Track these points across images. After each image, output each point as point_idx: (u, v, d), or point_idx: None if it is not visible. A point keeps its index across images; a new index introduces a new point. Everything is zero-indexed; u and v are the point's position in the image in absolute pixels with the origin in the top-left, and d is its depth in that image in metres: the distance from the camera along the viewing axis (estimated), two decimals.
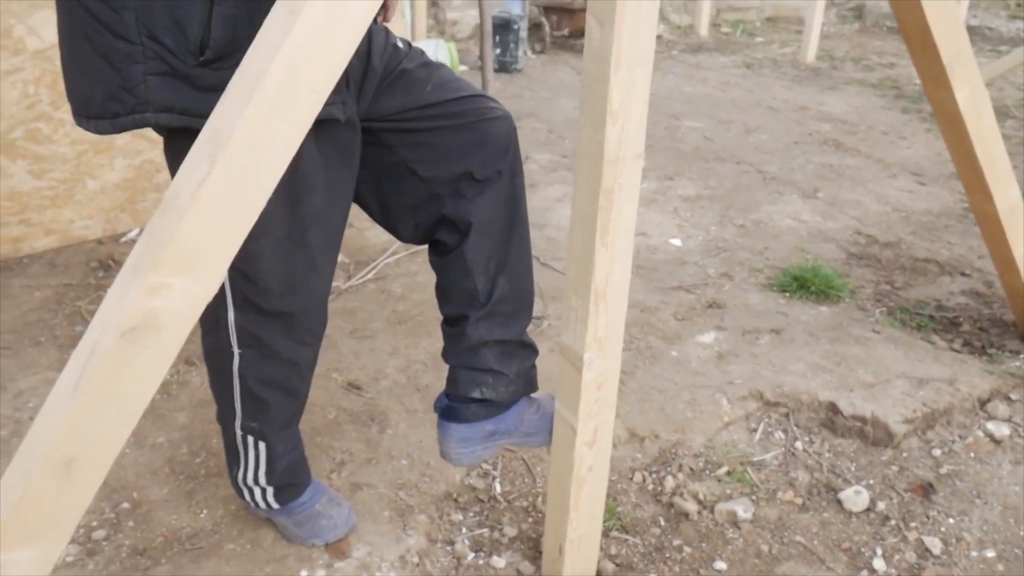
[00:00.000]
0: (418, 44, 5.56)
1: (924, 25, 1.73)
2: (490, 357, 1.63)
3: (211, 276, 1.01)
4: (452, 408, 1.66)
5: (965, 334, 2.69)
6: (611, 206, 1.37)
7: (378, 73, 1.49)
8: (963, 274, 3.15)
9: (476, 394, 1.63)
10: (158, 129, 1.39)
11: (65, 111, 3.02)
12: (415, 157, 1.56)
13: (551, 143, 4.76)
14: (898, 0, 1.73)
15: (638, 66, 1.30)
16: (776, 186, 4.14)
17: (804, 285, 2.94)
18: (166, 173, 3.33)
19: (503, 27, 6.39)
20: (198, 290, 1.00)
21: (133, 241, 3.25)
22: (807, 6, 7.59)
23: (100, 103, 1.30)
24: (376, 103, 1.51)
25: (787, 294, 2.94)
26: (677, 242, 3.40)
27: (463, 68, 6.40)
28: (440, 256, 1.64)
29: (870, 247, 3.41)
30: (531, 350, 1.70)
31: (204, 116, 1.18)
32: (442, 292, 1.67)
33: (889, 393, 2.31)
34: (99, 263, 3.06)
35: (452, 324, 1.67)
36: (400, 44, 1.56)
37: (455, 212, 1.57)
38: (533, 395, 1.74)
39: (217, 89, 1.19)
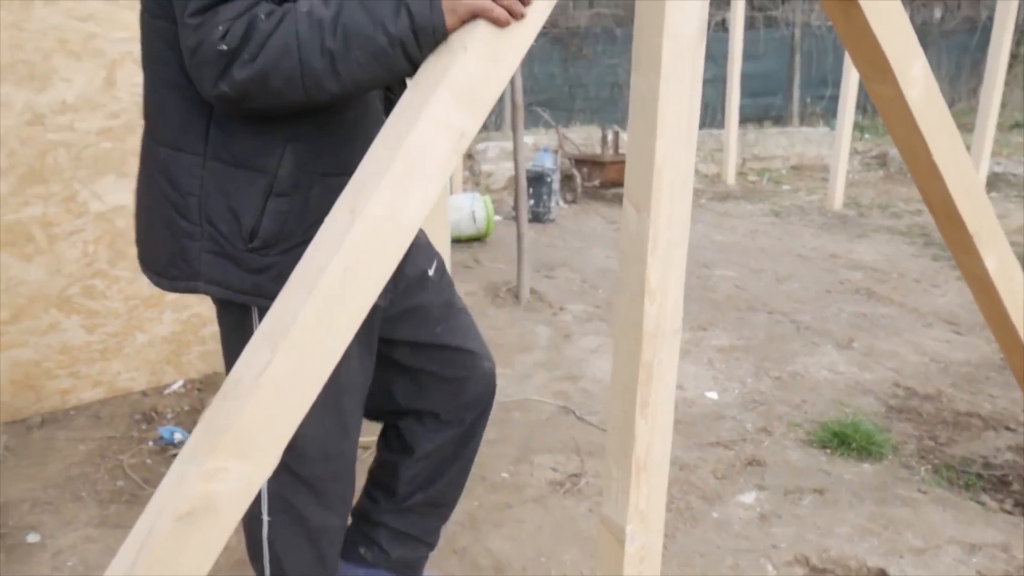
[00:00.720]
0: (454, 198, 5.79)
1: (948, 198, 1.79)
2: (383, 535, 1.84)
3: (268, 459, 1.05)
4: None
5: (1016, 494, 2.62)
6: (650, 380, 1.40)
7: (407, 278, 1.63)
8: (1008, 428, 3.09)
9: (359, 551, 1.86)
10: (215, 300, 1.50)
11: (120, 268, 3.17)
12: (397, 381, 1.74)
13: (584, 293, 4.85)
14: (921, 175, 1.80)
15: (674, 247, 1.36)
16: (810, 336, 4.16)
17: (845, 441, 2.90)
18: (212, 327, 3.44)
19: (536, 179, 6.64)
20: (255, 473, 1.03)
21: (176, 393, 3.33)
22: (831, 154, 7.80)
23: (162, 264, 1.43)
24: (388, 321, 1.64)
25: (828, 450, 2.90)
26: (713, 395, 3.40)
27: (497, 218, 6.62)
28: (381, 448, 1.85)
29: (910, 400, 3.38)
30: (425, 546, 1.90)
31: (247, 293, 1.39)
32: (372, 469, 1.88)
33: (941, 560, 2.23)
34: (143, 415, 3.12)
35: (367, 495, 1.88)
36: (432, 272, 1.70)
37: (409, 432, 1.77)
38: None
39: (261, 271, 1.38)
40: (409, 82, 1.14)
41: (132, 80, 3.02)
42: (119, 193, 3.10)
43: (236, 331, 1.47)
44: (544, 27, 1.17)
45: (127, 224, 3.14)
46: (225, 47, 1.16)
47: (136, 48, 3.02)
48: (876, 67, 1.55)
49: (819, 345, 4.03)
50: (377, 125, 1.40)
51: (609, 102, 12.57)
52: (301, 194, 1.35)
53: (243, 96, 1.20)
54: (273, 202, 1.34)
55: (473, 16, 1.08)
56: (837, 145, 7.43)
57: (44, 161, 2.91)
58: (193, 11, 1.18)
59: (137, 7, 2.99)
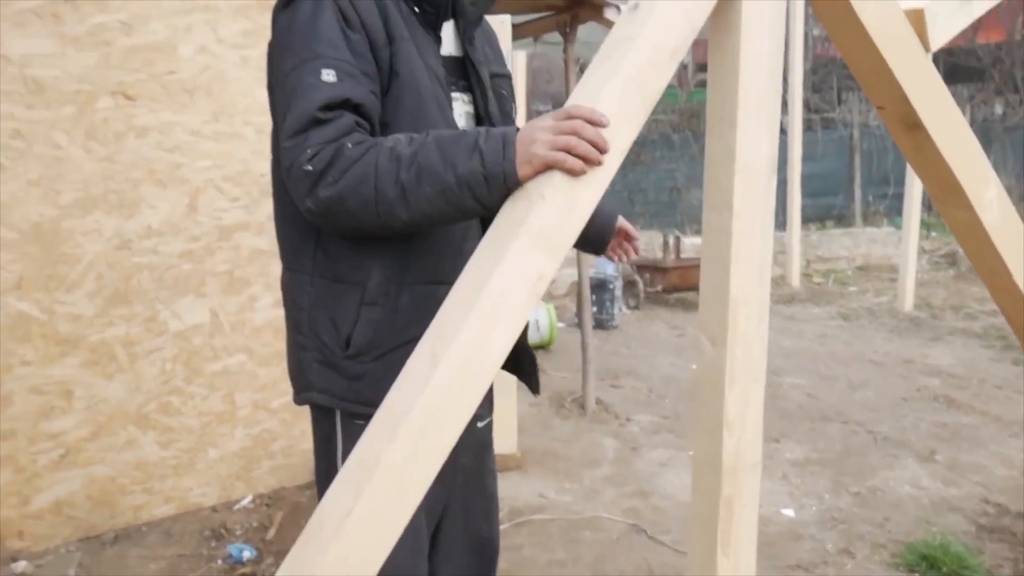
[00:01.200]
0: None
1: None
2: None
3: None
4: None
5: None
6: (731, 516, 1.36)
7: None
8: None
9: None
10: (312, 406, 1.57)
11: (196, 385, 3.25)
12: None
13: (651, 403, 4.78)
14: (1000, 292, 1.76)
15: (752, 381, 1.35)
16: (889, 448, 4.00)
17: (934, 565, 2.75)
18: (281, 442, 3.49)
19: (599, 286, 6.66)
20: None
21: (245, 509, 3.34)
22: (898, 254, 7.68)
23: (293, 377, 1.57)
24: None
25: (916, 575, 2.75)
26: (790, 512, 3.28)
27: (561, 325, 6.63)
28: None
29: (1001, 518, 3.20)
30: None
31: (348, 400, 1.47)
32: None
33: None
34: (212, 532, 3.14)
35: None
36: (482, 424, 1.70)
37: None
38: None
39: (359, 378, 1.46)
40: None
41: (212, 205, 3.17)
42: (196, 312, 3.21)
43: (330, 440, 1.53)
44: None
45: (203, 342, 3.24)
46: (311, 168, 1.26)
47: (216, 175, 3.20)
48: (949, 192, 1.55)
49: (899, 458, 3.87)
50: (465, 235, 1.47)
51: (668, 206, 12.69)
52: (391, 303, 1.43)
53: (326, 213, 1.29)
54: (365, 311, 1.43)
55: (548, 167, 1.11)
56: (904, 245, 7.33)
57: (129, 283, 3.04)
58: (287, 135, 1.29)
59: (219, 137, 3.16)
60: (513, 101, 1.65)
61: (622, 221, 1.84)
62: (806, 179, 8.86)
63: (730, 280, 1.28)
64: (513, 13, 4.31)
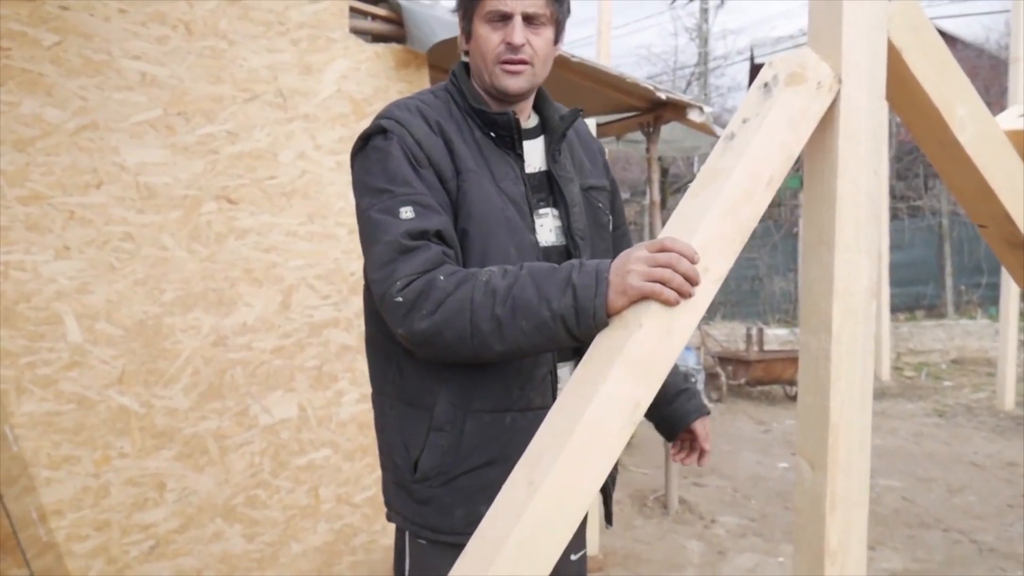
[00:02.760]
0: None
1: None
2: None
3: None
4: None
5: None
6: None
7: None
8: None
9: None
10: None
11: (282, 479, 3.30)
12: None
13: (736, 504, 4.63)
14: None
15: (854, 507, 1.30)
16: (996, 560, 3.76)
17: None
18: (363, 537, 3.49)
19: None
20: None
21: None
22: (995, 347, 7.36)
23: (384, 497, 1.62)
24: None
25: None
26: None
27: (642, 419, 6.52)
28: None
29: None
30: None
31: (416, 524, 1.49)
32: None
33: None
34: None
35: None
36: (575, 557, 1.68)
37: None
38: None
39: (426, 503, 1.47)
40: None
41: (304, 303, 3.27)
42: (285, 407, 3.28)
43: (401, 555, 1.56)
44: None
45: (290, 436, 3.30)
46: (401, 299, 1.29)
47: (309, 273, 3.31)
48: None
49: (1006, 571, 3.63)
50: (535, 361, 1.47)
51: (750, 294, 12.52)
52: (456, 429, 1.45)
53: (421, 344, 1.33)
54: (433, 436, 1.45)
55: (643, 298, 1.12)
56: (1003, 338, 7.03)
57: (223, 379, 3.13)
58: (375, 268, 1.35)
59: (313, 238, 3.28)
60: (610, 214, 1.67)
61: (700, 425, 1.78)
62: (894, 267, 8.66)
63: (830, 405, 1.26)
64: (598, 115, 4.41)
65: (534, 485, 1.06)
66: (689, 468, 5.22)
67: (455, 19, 1.58)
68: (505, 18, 1.44)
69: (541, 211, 1.53)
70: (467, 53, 1.54)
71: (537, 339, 1.25)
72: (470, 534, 1.09)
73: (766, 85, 1.21)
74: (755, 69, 19.62)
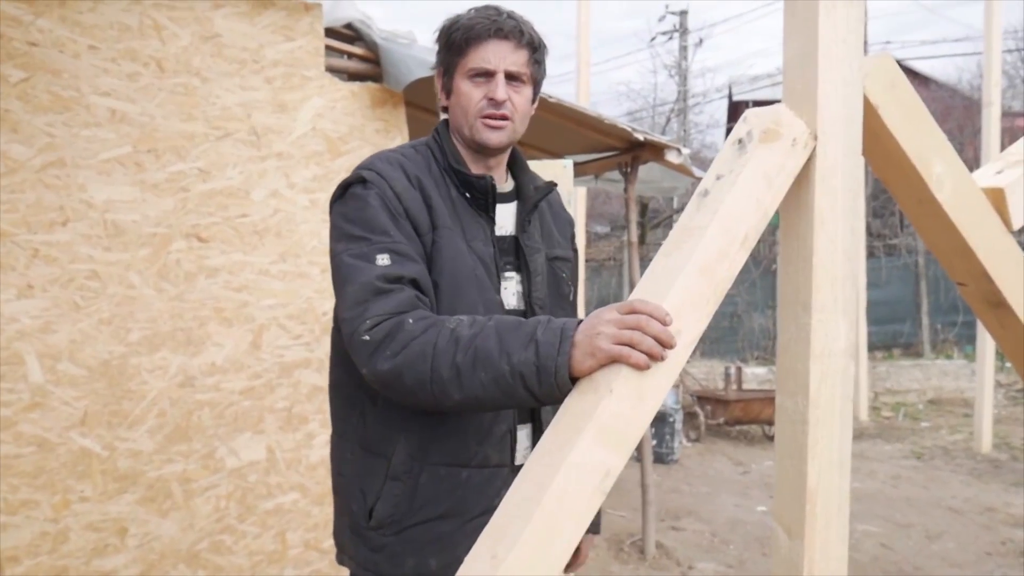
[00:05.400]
0: None
1: None
2: None
3: None
4: None
5: None
6: None
7: None
8: None
9: None
10: None
11: (248, 523, 3.21)
12: None
13: (715, 549, 4.56)
14: None
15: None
16: None
17: None
18: None
19: (659, 419, 6.51)
20: None
21: None
22: (972, 388, 7.37)
23: (334, 536, 1.62)
24: None
25: None
26: None
27: None
28: None
29: None
30: None
31: (368, 570, 1.48)
32: None
33: None
34: None
35: None
36: None
37: None
38: None
39: (380, 550, 1.47)
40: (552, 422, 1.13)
41: (275, 343, 3.21)
42: (253, 449, 3.20)
43: None
44: None
45: (258, 479, 3.22)
46: (368, 338, 1.29)
47: (280, 312, 3.25)
48: None
49: None
50: (495, 418, 1.47)
51: (728, 332, 12.52)
52: (412, 479, 1.45)
53: (384, 385, 1.31)
54: (389, 485, 1.46)
55: (612, 361, 1.08)
56: (980, 380, 7.05)
57: (190, 420, 3.05)
58: (347, 307, 1.34)
59: (285, 277, 3.23)
60: (572, 284, 1.67)
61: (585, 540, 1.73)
62: (871, 305, 8.71)
63: (807, 469, 1.22)
64: (576, 154, 4.41)
65: (497, 559, 1.01)
66: (667, 511, 5.16)
67: (431, 58, 1.59)
68: (488, 75, 1.46)
69: (507, 274, 1.55)
70: (446, 109, 1.56)
71: (495, 392, 1.21)
72: None
73: (740, 141, 1.18)
74: (734, 107, 19.88)
